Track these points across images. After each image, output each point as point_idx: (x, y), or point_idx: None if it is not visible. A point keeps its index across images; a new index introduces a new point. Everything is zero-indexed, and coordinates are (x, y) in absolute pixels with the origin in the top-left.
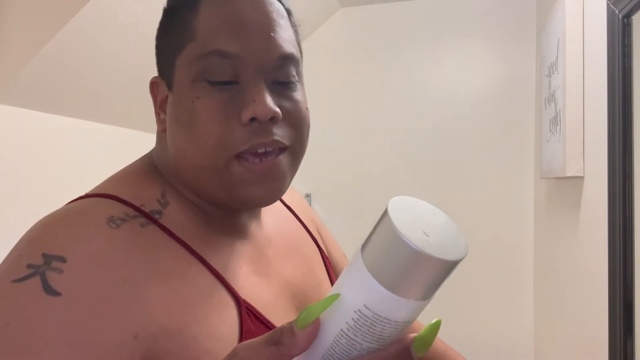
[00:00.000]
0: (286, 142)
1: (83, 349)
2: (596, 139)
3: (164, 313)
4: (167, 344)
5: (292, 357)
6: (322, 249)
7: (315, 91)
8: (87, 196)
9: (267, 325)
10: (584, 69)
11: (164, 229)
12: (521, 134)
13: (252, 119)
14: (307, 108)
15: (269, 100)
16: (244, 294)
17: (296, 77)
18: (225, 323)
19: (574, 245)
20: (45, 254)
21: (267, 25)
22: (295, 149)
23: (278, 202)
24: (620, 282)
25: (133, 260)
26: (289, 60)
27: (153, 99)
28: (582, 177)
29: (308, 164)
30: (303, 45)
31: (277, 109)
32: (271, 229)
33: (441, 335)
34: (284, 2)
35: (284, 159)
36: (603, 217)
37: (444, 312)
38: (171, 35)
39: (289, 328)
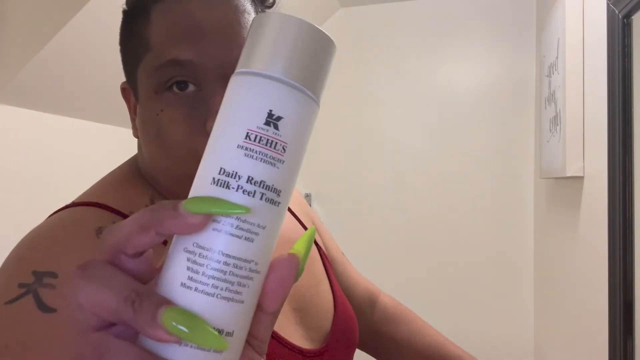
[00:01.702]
0: None
1: None
2: (596, 139)
3: None
4: None
5: (163, 233)
6: (320, 247)
7: None
8: (73, 205)
9: None
10: (584, 69)
11: None
12: (521, 134)
13: None
14: None
15: None
16: None
17: None
18: None
19: (574, 245)
20: (35, 271)
21: (224, 25)
22: None
23: None
24: (620, 282)
25: None
26: None
27: (126, 104)
28: (582, 177)
29: (308, 164)
30: None
31: None
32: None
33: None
34: None
35: None
36: (603, 217)
37: (444, 312)
38: (128, 43)
39: (172, 203)
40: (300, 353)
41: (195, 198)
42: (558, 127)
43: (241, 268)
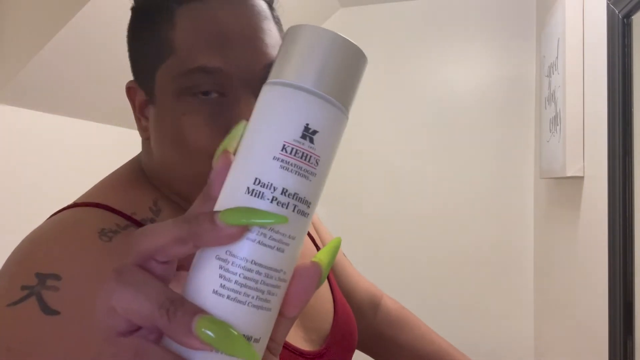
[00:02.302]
0: None
1: None
2: (596, 139)
3: None
4: None
5: (201, 246)
6: (319, 247)
7: None
8: (75, 205)
9: None
10: (584, 69)
11: None
12: (521, 134)
13: None
14: None
15: None
16: None
17: None
18: None
19: (574, 245)
20: (38, 273)
21: (250, 33)
22: None
23: None
24: (620, 282)
25: None
26: None
27: (131, 104)
28: (582, 177)
29: None
30: None
31: None
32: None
33: (440, 334)
34: None
35: None
36: (603, 217)
37: (444, 312)
38: (146, 43)
39: (210, 215)
40: (300, 355)
41: (232, 210)
42: (558, 127)
43: (271, 277)
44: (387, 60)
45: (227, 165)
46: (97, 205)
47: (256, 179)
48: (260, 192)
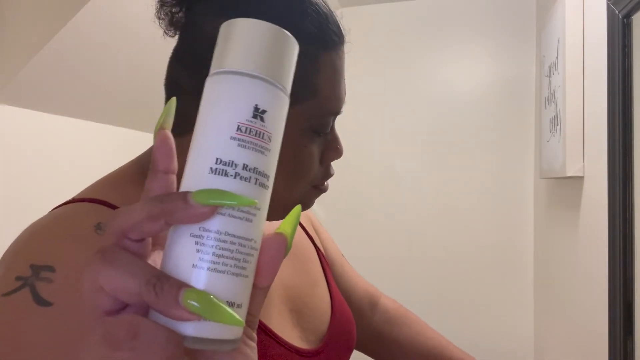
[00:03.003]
0: None
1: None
2: (596, 139)
3: None
4: None
5: (174, 223)
6: (318, 249)
7: None
8: (73, 201)
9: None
10: (584, 69)
11: None
12: (521, 134)
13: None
14: None
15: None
16: None
17: None
18: None
19: (574, 245)
20: (33, 264)
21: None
22: None
23: None
24: (620, 282)
25: None
26: None
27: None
28: (582, 177)
29: None
30: None
31: None
32: (265, 229)
33: (442, 334)
34: None
35: None
36: (603, 217)
37: (444, 312)
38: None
39: (182, 194)
40: (297, 353)
41: (204, 191)
42: (558, 127)
43: (244, 246)
44: (387, 60)
45: (166, 141)
46: (95, 201)
47: (217, 158)
48: (223, 170)
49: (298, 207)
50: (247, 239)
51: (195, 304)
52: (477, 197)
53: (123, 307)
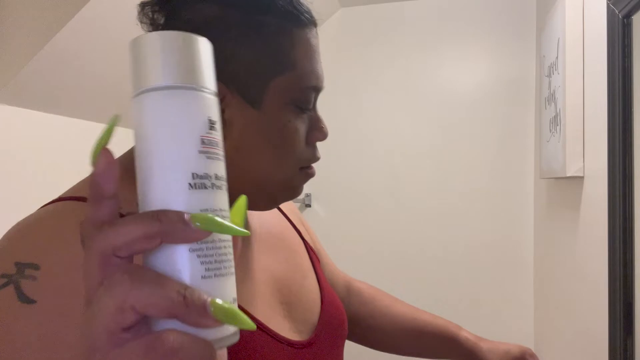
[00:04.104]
0: None
1: (62, 354)
2: (596, 139)
3: None
4: None
5: (170, 243)
6: (306, 242)
7: None
8: (59, 199)
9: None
10: (584, 69)
11: None
12: (521, 134)
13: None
14: None
15: None
16: None
17: None
18: None
19: (574, 245)
20: (18, 262)
21: None
22: None
23: None
24: (620, 282)
25: None
26: None
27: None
28: (582, 177)
29: None
30: None
31: None
32: (255, 222)
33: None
34: None
35: None
36: (603, 217)
37: (444, 312)
38: (263, 53)
39: (180, 215)
40: (289, 345)
41: (206, 217)
42: (558, 127)
43: (228, 246)
44: (387, 60)
45: (112, 164)
46: (80, 199)
47: (193, 173)
48: (201, 183)
49: (242, 197)
50: (228, 239)
51: (220, 312)
52: (477, 197)
53: (135, 324)
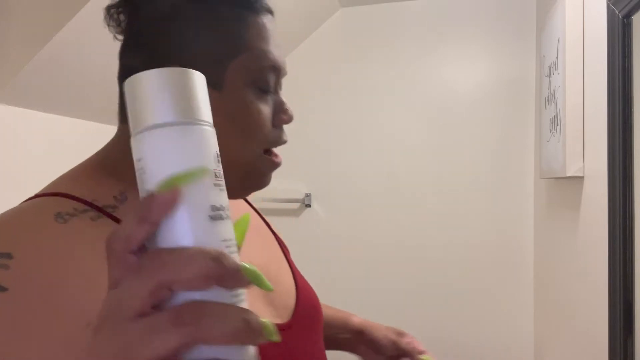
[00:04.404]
0: None
1: (32, 342)
2: (596, 139)
3: None
4: None
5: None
6: (275, 234)
7: (314, 91)
8: (37, 196)
9: None
10: (584, 69)
11: (118, 221)
12: (521, 134)
13: (281, 124)
14: None
15: None
16: None
17: None
18: None
19: (574, 245)
20: None
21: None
22: None
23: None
24: (620, 282)
25: (83, 254)
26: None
27: None
28: (582, 177)
29: (308, 164)
30: (303, 45)
31: None
32: (233, 214)
33: (440, 334)
34: None
35: None
36: (603, 217)
37: (444, 312)
38: (218, 38)
39: (237, 265)
40: None
41: (255, 272)
42: (558, 127)
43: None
44: (386, 60)
45: (175, 202)
46: (57, 195)
47: (212, 206)
48: (218, 214)
49: (247, 215)
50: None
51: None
52: (477, 197)
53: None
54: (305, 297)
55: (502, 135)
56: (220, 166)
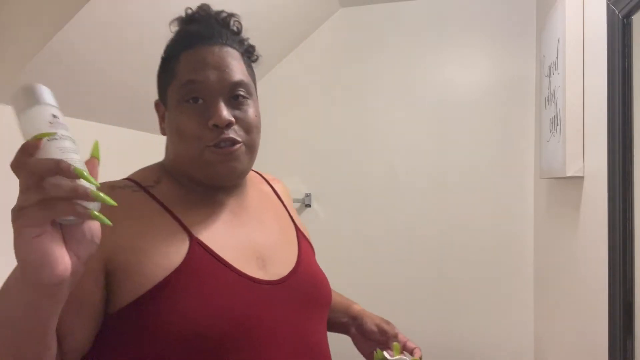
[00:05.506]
0: (239, 139)
1: None
2: (596, 139)
3: (127, 238)
4: (125, 256)
5: (29, 151)
6: (296, 223)
7: (314, 91)
8: (127, 178)
9: (214, 256)
10: (584, 69)
11: (152, 196)
12: (521, 134)
13: (215, 125)
14: (257, 115)
15: (225, 113)
16: (201, 236)
17: (246, 95)
18: (175, 246)
19: (574, 245)
20: None
21: (221, 63)
22: (248, 144)
23: (268, 188)
24: (620, 282)
25: (119, 209)
26: (239, 84)
27: (158, 114)
28: (582, 177)
29: (308, 164)
30: (303, 45)
31: (231, 118)
32: (254, 203)
33: (440, 334)
34: (242, 46)
35: (238, 149)
36: (603, 217)
37: (444, 312)
38: (164, 74)
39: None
40: (250, 280)
41: (79, 170)
42: (558, 127)
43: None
44: (386, 60)
45: (36, 143)
46: (128, 179)
47: (52, 134)
48: (54, 139)
49: (96, 142)
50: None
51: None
52: (477, 197)
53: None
54: (303, 273)
55: (502, 135)
56: (58, 118)
